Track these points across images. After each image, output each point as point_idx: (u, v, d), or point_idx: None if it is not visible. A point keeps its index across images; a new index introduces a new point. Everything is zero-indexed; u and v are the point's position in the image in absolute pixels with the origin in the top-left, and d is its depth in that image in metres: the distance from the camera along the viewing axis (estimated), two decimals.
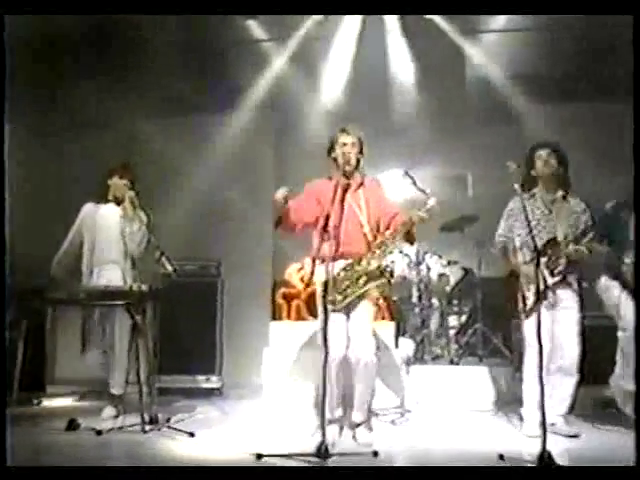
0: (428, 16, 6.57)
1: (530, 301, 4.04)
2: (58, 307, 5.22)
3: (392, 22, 6.82)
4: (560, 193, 4.28)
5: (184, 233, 6.15)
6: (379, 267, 3.82)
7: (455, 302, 6.58)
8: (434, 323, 6.09)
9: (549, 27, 6.60)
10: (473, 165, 7.28)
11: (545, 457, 3.05)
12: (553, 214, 4.23)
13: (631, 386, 4.07)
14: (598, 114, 6.71)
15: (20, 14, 3.73)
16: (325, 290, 3.57)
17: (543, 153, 4.27)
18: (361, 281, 3.80)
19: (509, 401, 4.91)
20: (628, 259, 4.18)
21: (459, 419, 4.70)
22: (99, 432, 3.97)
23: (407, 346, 5.43)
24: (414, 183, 3.86)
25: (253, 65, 7.10)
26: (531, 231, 3.72)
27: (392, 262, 4.20)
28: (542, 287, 3.93)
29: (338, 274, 3.78)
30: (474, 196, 7.22)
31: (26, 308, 4.46)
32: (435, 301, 6.15)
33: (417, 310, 6.01)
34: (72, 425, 4.15)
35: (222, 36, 6.88)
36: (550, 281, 4.08)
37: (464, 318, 6.56)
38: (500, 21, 6.75)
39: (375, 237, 3.92)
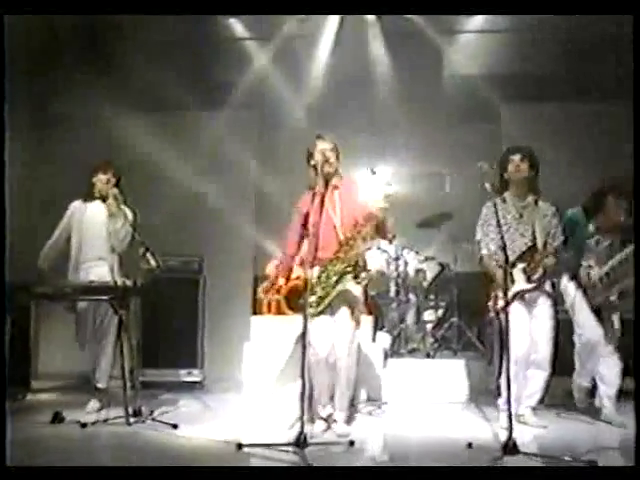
0: (407, 15, 6.70)
1: (502, 302, 4.16)
2: (42, 302, 5.26)
3: (372, 21, 6.94)
4: (531, 197, 4.39)
5: (167, 229, 6.21)
6: (349, 264, 3.95)
7: (432, 297, 6.74)
8: (411, 317, 6.25)
9: (526, 28, 6.77)
10: (451, 163, 7.41)
11: (510, 445, 3.23)
12: (524, 218, 4.35)
13: (586, 383, 4.50)
14: (571, 114, 6.88)
15: (20, 14, 3.79)
16: (305, 289, 3.71)
17: (515, 158, 4.36)
18: (333, 279, 3.94)
19: (482, 393, 5.10)
20: (585, 262, 4.42)
21: (434, 410, 4.86)
22: (84, 425, 4.07)
23: (384, 340, 5.61)
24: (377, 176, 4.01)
25: (236, 63, 7.19)
26: (502, 236, 3.84)
27: (365, 257, 4.31)
28: (517, 290, 4.13)
29: (317, 277, 3.94)
30: (451, 193, 7.36)
31: (11, 304, 4.54)
32: (412, 296, 6.31)
33: (394, 305, 6.17)
34: (57, 418, 4.24)
35: (205, 34, 6.96)
36: (526, 287, 4.22)
37: (441, 312, 6.73)
38: (477, 22, 6.91)
39: (347, 238, 4.02)
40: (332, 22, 6.93)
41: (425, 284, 6.69)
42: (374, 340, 5.46)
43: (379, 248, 6.07)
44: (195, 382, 5.89)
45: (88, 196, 4.99)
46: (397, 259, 6.10)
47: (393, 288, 6.17)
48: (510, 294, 3.96)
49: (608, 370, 4.34)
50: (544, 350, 4.26)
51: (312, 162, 4.15)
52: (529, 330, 4.21)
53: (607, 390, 4.33)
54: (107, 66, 6.73)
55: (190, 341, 5.95)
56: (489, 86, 6.95)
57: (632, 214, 4.24)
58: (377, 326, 5.72)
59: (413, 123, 7.13)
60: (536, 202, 4.41)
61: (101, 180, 4.94)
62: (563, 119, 6.91)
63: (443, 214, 6.24)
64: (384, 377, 5.20)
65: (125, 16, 6.28)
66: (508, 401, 3.44)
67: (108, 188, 4.89)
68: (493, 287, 4.27)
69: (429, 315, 6.72)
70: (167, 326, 5.84)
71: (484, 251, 4.33)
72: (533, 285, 4.21)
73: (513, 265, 4.14)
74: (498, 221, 3.91)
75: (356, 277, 4.02)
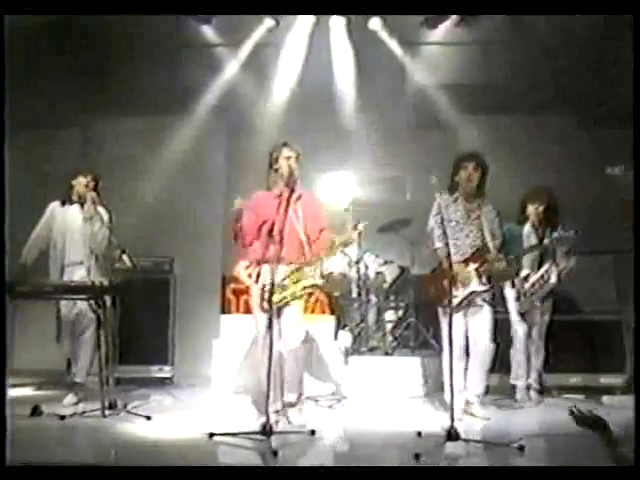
0: (372, 27, 7.03)
1: (456, 300, 4.48)
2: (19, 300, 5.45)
3: (338, 31, 7.19)
4: (478, 201, 4.75)
5: (138, 231, 6.40)
6: (308, 272, 4.33)
7: (392, 298, 7.08)
8: (371, 317, 6.57)
9: (485, 41, 7.16)
10: (411, 169, 7.76)
11: (453, 433, 3.65)
12: (471, 219, 4.71)
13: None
14: (527, 125, 7.24)
15: (20, 14, 3.97)
16: (271, 290, 4.05)
17: (468, 165, 4.70)
18: (299, 285, 4.30)
19: (437, 388, 5.47)
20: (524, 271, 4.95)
21: (392, 404, 5.22)
22: (62, 417, 4.35)
23: (346, 338, 5.95)
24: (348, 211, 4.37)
25: (206, 69, 7.39)
26: (445, 232, 4.32)
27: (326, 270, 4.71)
28: (471, 290, 4.52)
29: (282, 279, 4.28)
30: (411, 200, 7.70)
31: None
32: (373, 297, 6.64)
33: (356, 305, 6.49)
34: (36, 411, 4.50)
35: (177, 39, 7.16)
36: (480, 289, 4.57)
37: (401, 313, 7.08)
38: (439, 34, 7.25)
39: (310, 245, 4.40)
40: (300, 31, 7.17)
41: (385, 286, 7.02)
42: (336, 338, 5.81)
43: (342, 252, 6.39)
44: (166, 378, 6.14)
45: (67, 199, 5.21)
46: (358, 262, 6.44)
47: (355, 290, 6.49)
48: (465, 293, 4.35)
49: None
50: (484, 345, 4.61)
51: (275, 167, 4.46)
52: (467, 328, 4.60)
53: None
54: (80, 67, 6.77)
55: (161, 338, 6.17)
56: (448, 96, 7.27)
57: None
58: (339, 325, 6.07)
59: (376, 130, 7.40)
60: (480, 205, 4.77)
61: (80, 183, 5.15)
62: (517, 130, 7.25)
63: (401, 220, 6.57)
64: (345, 373, 5.55)
65: (97, 19, 6.59)
66: (451, 394, 3.86)
67: (87, 191, 5.12)
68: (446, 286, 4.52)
69: (390, 315, 7.04)
70: (139, 324, 6.03)
71: (437, 244, 4.67)
72: (486, 287, 4.57)
73: (466, 265, 4.51)
74: (445, 228, 4.38)
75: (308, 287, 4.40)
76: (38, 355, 5.94)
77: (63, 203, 5.23)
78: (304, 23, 6.98)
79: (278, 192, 4.39)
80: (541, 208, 5.19)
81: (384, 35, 7.06)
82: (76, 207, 5.17)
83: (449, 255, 4.27)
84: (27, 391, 5.66)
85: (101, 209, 5.15)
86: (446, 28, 6.97)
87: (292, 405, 4.36)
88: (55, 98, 6.69)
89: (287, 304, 4.33)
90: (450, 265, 4.29)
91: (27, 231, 5.26)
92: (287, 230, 4.26)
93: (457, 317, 4.41)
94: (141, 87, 6.91)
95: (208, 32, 7.12)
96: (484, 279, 4.62)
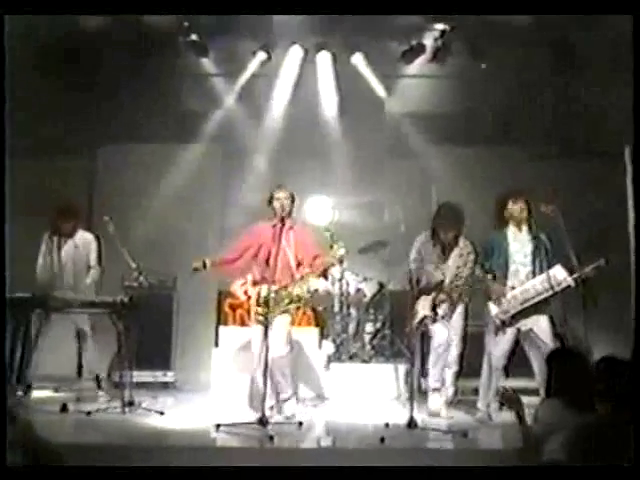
0: (354, 62, 7.75)
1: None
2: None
3: (323, 64, 7.88)
4: (452, 236, 5.51)
5: (145, 251, 7.08)
6: (298, 294, 5.22)
7: (371, 311, 7.85)
8: (352, 329, 7.35)
9: (458, 74, 7.90)
10: (388, 195, 8.47)
11: (413, 423, 4.61)
12: (445, 255, 5.53)
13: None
14: (497, 157, 7.87)
15: (20, 14, 4.16)
16: (267, 307, 4.91)
17: (445, 223, 5.51)
18: (285, 302, 5.17)
19: (407, 390, 6.28)
20: (509, 283, 5.26)
21: (368, 404, 6.03)
22: (88, 413, 5.14)
23: (328, 347, 6.78)
24: (332, 237, 5.21)
25: (204, 99, 8.03)
26: (416, 268, 5.30)
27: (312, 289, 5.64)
28: (423, 315, 5.42)
29: (273, 294, 5.14)
30: (388, 222, 8.45)
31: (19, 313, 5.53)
32: (353, 311, 7.43)
33: (338, 318, 7.28)
34: (65, 408, 5.30)
35: (175, 69, 7.81)
36: (429, 314, 5.42)
37: (378, 325, 7.87)
38: (414, 69, 7.91)
39: (299, 269, 5.27)
40: (290, 64, 7.86)
41: (365, 300, 7.80)
42: (320, 347, 6.64)
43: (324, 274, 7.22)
44: (169, 382, 6.92)
45: (57, 233, 6.08)
46: (340, 280, 7.26)
47: (337, 304, 7.30)
48: (418, 318, 5.30)
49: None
50: (454, 353, 5.53)
51: (271, 205, 5.37)
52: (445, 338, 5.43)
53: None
54: (85, 94, 7.38)
55: (165, 347, 6.97)
56: (422, 126, 7.95)
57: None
58: (322, 336, 6.90)
59: (357, 157, 8.08)
60: (457, 240, 5.52)
61: (66, 227, 6.06)
62: (488, 161, 7.84)
63: (380, 242, 7.38)
64: (328, 378, 6.39)
65: (100, 50, 7.11)
66: (410, 393, 4.85)
67: (73, 231, 6.04)
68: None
69: (369, 327, 7.80)
70: (145, 334, 6.80)
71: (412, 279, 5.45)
72: (433, 313, 5.41)
73: (427, 293, 5.42)
74: (422, 258, 5.39)
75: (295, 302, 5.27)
76: (58, 361, 6.64)
77: (53, 234, 6.07)
78: (294, 57, 7.77)
79: (273, 224, 5.27)
80: (525, 206, 5.35)
81: (365, 69, 7.83)
82: (69, 242, 6.06)
83: (412, 288, 5.25)
84: (45, 393, 6.28)
85: (88, 235, 6.04)
86: (421, 63, 7.71)
87: (285, 400, 5.21)
88: (59, 128, 7.31)
89: (276, 317, 5.15)
90: (419, 293, 5.30)
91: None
92: (280, 257, 5.13)
93: (435, 329, 5.35)
94: (144, 116, 7.52)
95: (206, 63, 7.81)
96: (443, 305, 5.44)
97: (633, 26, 3.77)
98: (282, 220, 5.25)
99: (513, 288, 5.22)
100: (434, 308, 5.40)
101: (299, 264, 5.29)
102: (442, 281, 5.46)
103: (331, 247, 5.18)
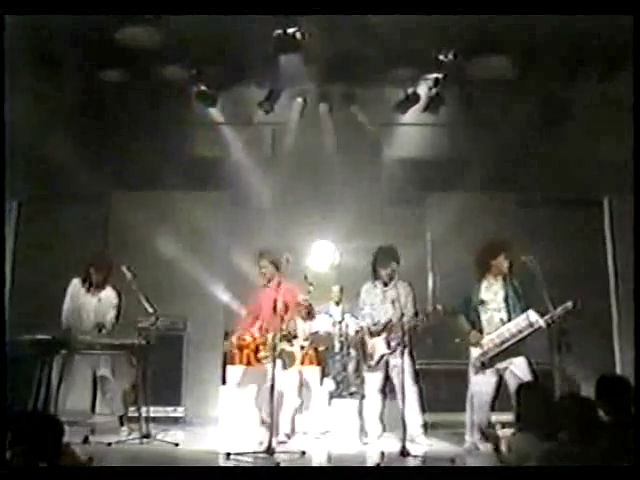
0: (352, 111, 8.22)
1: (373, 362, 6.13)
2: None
3: (324, 115, 8.41)
4: (390, 271, 6.08)
5: (157, 295, 7.56)
6: (286, 336, 5.95)
7: None
8: (351, 368, 7.82)
9: (453, 123, 8.39)
10: (381, 240, 8.89)
11: (405, 452, 5.12)
12: (387, 298, 6.08)
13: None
14: (485, 202, 8.40)
15: (20, 14, 4.28)
16: (274, 346, 5.50)
17: (385, 272, 6.11)
18: (275, 342, 5.72)
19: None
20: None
21: (364, 437, 6.48)
22: (109, 444, 5.59)
23: (330, 385, 7.24)
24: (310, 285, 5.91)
25: (213, 147, 8.61)
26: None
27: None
28: (380, 354, 6.02)
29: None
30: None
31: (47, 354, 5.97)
32: (352, 351, 7.90)
33: (338, 357, 7.74)
34: (87, 440, 5.75)
35: (183, 117, 8.37)
36: (386, 352, 6.04)
37: None
38: (410, 116, 8.38)
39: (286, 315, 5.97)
40: (295, 114, 8.39)
41: None
42: (321, 384, 7.09)
43: (327, 313, 7.72)
44: (179, 417, 7.38)
45: (85, 282, 6.44)
46: (340, 322, 7.76)
47: (337, 345, 7.78)
48: (376, 357, 5.95)
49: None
50: (410, 390, 5.90)
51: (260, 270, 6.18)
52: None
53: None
54: (101, 143, 7.98)
55: (175, 384, 7.48)
56: (418, 172, 8.50)
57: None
58: (324, 374, 7.34)
59: (355, 201, 8.45)
60: (393, 279, 6.07)
61: (97, 278, 6.40)
62: (477, 206, 8.31)
63: None
64: (329, 412, 6.85)
65: (115, 101, 7.67)
66: (403, 426, 5.34)
67: (104, 282, 6.41)
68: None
69: None
70: (157, 372, 7.25)
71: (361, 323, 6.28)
72: (390, 350, 5.99)
73: (379, 334, 6.01)
74: (364, 302, 6.16)
75: (289, 341, 6.03)
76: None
77: (84, 281, 6.44)
78: (296, 108, 8.31)
79: (264, 285, 6.15)
80: (507, 259, 5.68)
81: (363, 117, 8.35)
82: (93, 297, 6.43)
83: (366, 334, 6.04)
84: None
85: (111, 292, 6.41)
86: (414, 112, 8.20)
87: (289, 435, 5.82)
88: (71, 175, 7.79)
89: (281, 358, 5.77)
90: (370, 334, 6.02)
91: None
92: (271, 310, 5.82)
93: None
94: (155, 164, 8.00)
95: (214, 113, 8.35)
96: (393, 344, 5.97)
97: (633, 26, 3.81)
98: (269, 281, 6.09)
99: (489, 333, 5.62)
100: (389, 346, 5.97)
101: (287, 309, 5.95)
102: (390, 320, 5.99)
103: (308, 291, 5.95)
